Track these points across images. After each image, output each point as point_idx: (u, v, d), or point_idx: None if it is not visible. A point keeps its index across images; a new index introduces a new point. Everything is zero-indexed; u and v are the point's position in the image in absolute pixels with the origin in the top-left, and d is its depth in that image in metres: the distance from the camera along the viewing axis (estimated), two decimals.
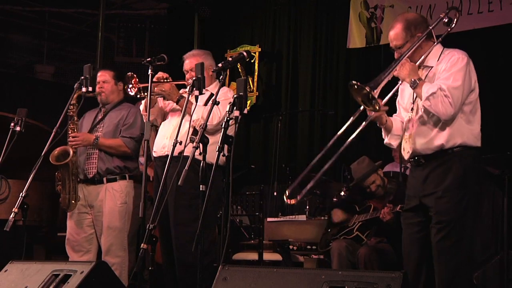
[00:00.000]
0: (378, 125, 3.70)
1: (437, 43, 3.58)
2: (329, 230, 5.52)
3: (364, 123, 3.58)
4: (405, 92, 3.72)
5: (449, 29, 3.61)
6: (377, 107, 3.41)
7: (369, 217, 5.11)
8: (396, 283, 2.75)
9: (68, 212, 4.83)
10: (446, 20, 3.58)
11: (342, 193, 5.97)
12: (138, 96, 4.39)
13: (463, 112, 3.45)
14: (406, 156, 3.62)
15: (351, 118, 3.63)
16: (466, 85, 3.42)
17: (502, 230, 5.13)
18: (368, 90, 3.35)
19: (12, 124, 4.38)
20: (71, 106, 4.67)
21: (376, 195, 5.16)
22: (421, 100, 3.46)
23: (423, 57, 3.55)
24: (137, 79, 4.33)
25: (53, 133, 4.18)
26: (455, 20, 3.60)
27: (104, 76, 4.93)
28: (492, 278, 5.07)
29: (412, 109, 3.60)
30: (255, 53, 8.38)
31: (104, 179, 4.79)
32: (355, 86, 3.39)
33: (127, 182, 4.86)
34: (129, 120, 4.89)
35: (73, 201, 4.73)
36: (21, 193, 4.06)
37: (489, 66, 6.51)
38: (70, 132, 4.73)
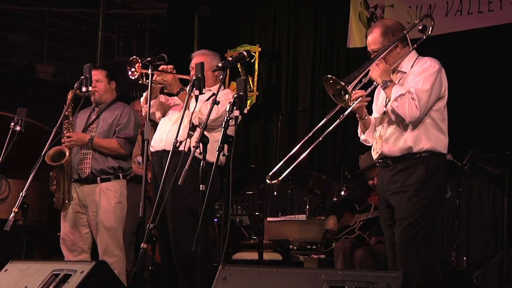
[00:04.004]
0: (357, 117, 3.77)
1: (412, 49, 3.68)
2: (330, 229, 5.52)
3: (345, 112, 3.64)
4: (379, 95, 3.81)
5: (424, 36, 3.70)
6: (350, 103, 3.50)
7: (370, 216, 5.12)
8: (396, 283, 2.75)
9: (62, 212, 4.82)
10: (420, 27, 3.68)
11: (343, 193, 5.98)
12: (140, 82, 4.37)
13: (432, 118, 3.56)
14: (375, 156, 3.73)
15: (327, 116, 3.77)
16: (435, 90, 3.51)
17: (502, 230, 5.13)
18: (342, 84, 3.44)
19: (12, 123, 4.37)
20: (68, 107, 4.64)
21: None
22: (390, 101, 3.55)
23: (398, 62, 3.65)
24: (140, 64, 4.30)
25: (53, 133, 4.17)
26: (430, 27, 3.69)
27: (97, 76, 4.85)
28: (492, 278, 5.07)
29: (384, 112, 3.68)
30: (255, 52, 8.38)
31: (98, 179, 4.77)
32: (330, 81, 3.49)
33: (121, 181, 4.85)
34: (123, 120, 4.87)
35: (66, 201, 4.72)
36: (21, 193, 4.05)
37: (489, 66, 6.52)
38: (64, 132, 4.71)
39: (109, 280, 3.65)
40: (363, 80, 3.61)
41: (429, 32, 3.69)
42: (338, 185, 6.22)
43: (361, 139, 3.89)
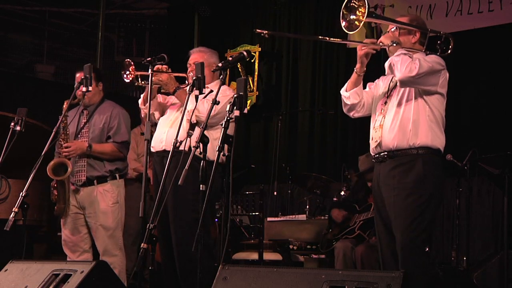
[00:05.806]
0: (355, 69, 3.76)
1: (424, 50, 3.68)
2: (330, 230, 5.52)
3: (361, 43, 3.72)
4: (380, 86, 3.82)
5: (439, 50, 3.69)
6: (353, 27, 3.49)
7: (370, 215, 5.11)
8: (396, 283, 2.75)
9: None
10: (440, 42, 3.69)
11: (343, 193, 5.98)
12: (136, 84, 4.37)
13: (434, 115, 3.57)
14: (373, 145, 3.71)
15: None
16: (435, 73, 3.51)
17: (502, 230, 5.13)
18: (364, 10, 3.44)
19: (12, 123, 4.37)
20: (63, 118, 4.61)
21: None
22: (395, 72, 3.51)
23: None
24: (134, 67, 4.30)
25: (53, 133, 4.17)
26: (450, 46, 3.70)
27: None
28: (492, 278, 5.07)
29: (385, 102, 3.68)
30: (255, 52, 8.38)
31: (95, 181, 4.78)
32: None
33: (118, 182, 4.87)
34: (113, 124, 4.85)
35: (67, 209, 4.74)
36: (21, 193, 4.05)
37: (489, 66, 6.52)
38: (62, 143, 4.69)
39: (109, 280, 3.65)
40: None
41: (448, 51, 3.71)
42: (338, 185, 6.22)
43: (342, 93, 3.85)
